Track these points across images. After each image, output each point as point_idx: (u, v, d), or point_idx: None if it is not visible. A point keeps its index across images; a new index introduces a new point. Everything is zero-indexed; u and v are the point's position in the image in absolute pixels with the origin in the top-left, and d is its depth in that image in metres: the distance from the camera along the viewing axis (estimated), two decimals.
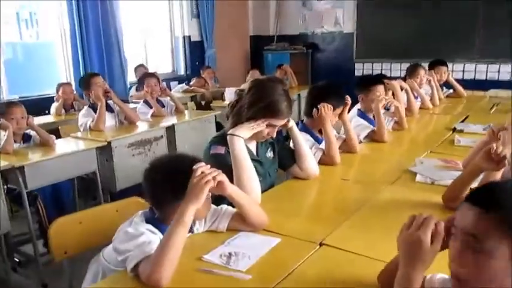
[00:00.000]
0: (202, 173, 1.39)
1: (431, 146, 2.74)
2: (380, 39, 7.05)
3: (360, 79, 3.32)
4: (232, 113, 2.03)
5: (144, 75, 4.35)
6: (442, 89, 4.75)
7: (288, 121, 2.13)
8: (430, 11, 6.59)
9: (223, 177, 1.45)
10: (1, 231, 2.69)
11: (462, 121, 3.49)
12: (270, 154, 2.18)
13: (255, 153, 2.10)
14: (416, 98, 4.11)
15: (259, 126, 1.94)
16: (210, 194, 1.49)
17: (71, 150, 3.14)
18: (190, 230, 1.59)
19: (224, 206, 1.65)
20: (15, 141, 3.14)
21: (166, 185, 1.44)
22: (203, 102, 5.42)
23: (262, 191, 1.96)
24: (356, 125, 3.04)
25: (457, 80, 4.88)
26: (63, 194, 3.13)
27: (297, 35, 7.82)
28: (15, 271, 3.04)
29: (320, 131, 2.60)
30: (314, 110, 2.49)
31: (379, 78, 3.23)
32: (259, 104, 1.94)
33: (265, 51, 7.79)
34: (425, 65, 4.50)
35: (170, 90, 5.96)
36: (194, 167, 1.40)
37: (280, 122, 1.99)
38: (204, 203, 1.50)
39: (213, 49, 7.10)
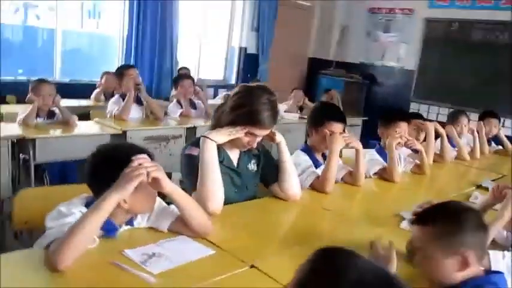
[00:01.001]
0: (139, 165, 1.35)
1: (442, 196, 2.50)
2: (441, 82, 6.71)
3: (383, 113, 3.15)
4: (215, 117, 1.99)
5: (179, 76, 4.42)
6: (490, 144, 4.39)
7: (274, 134, 2.04)
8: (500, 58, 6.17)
9: (160, 174, 1.39)
10: (1, 196, 2.82)
11: (494, 180, 3.17)
12: (253, 167, 2.09)
13: (235, 163, 2.03)
14: (454, 146, 3.83)
15: (237, 133, 1.87)
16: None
17: (85, 133, 3.23)
18: (130, 223, 1.56)
19: (173, 206, 1.58)
20: (39, 116, 3.31)
21: (104, 171, 1.41)
22: None
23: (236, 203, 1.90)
24: (369, 158, 2.87)
25: None
26: (69, 175, 3.22)
27: (356, 64, 7.65)
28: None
29: (323, 156, 2.49)
30: (326, 130, 2.39)
31: (403, 114, 3.04)
32: (240, 109, 1.87)
33: (321, 75, 7.68)
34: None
35: (215, 96, 6.08)
36: (133, 157, 1.37)
37: (260, 132, 1.90)
38: (145, 198, 1.47)
39: (266, 64, 7.12)
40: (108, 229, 1.46)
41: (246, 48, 7.02)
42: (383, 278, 0.73)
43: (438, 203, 1.38)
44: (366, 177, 2.77)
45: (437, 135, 3.49)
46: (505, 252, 1.62)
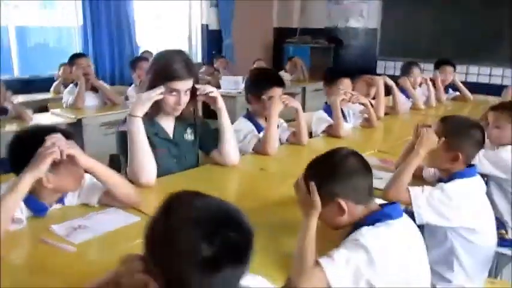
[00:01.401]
0: (53, 144, 1.40)
1: (384, 145, 2.59)
2: (404, 38, 6.74)
3: (325, 71, 3.20)
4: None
5: (135, 59, 4.42)
6: (447, 91, 4.47)
7: (215, 100, 2.06)
8: (461, 10, 6.20)
9: (74, 150, 1.44)
10: None
11: None
12: (189, 136, 2.14)
13: (171, 134, 2.07)
14: (408, 98, 3.91)
15: (156, 92, 1.86)
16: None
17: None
18: (61, 202, 1.61)
19: (87, 178, 1.62)
20: None
21: (21, 155, 1.45)
22: None
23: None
24: (316, 117, 2.95)
25: (482, 85, 4.54)
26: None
27: (321, 28, 7.64)
28: None
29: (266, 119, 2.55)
30: (263, 96, 2.44)
31: (345, 71, 3.09)
32: (153, 70, 1.92)
33: (287, 44, 7.68)
34: None
35: None
36: (46, 137, 1.41)
37: (179, 85, 1.88)
38: (69, 176, 1.51)
39: (230, 39, 7.10)
40: (37, 209, 1.52)
41: (207, 25, 6.98)
42: (219, 215, 0.78)
43: (327, 151, 1.38)
44: (313, 136, 2.89)
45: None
46: (425, 186, 1.72)
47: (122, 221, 1.52)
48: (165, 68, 1.88)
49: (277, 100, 2.43)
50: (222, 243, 0.74)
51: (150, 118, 1.97)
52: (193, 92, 2.01)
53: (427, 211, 1.66)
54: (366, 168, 1.33)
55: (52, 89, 4.69)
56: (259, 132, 2.48)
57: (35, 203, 1.50)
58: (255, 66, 5.63)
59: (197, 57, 7.05)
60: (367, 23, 7.26)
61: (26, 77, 5.20)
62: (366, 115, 3.11)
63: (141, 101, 1.87)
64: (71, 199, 1.64)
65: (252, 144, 2.40)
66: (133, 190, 1.63)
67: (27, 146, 1.43)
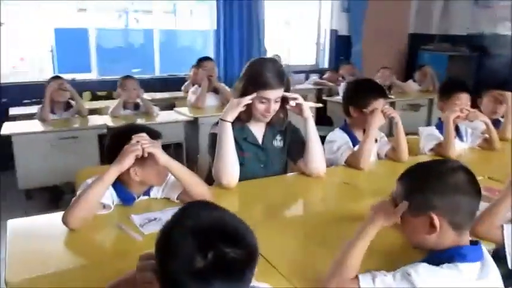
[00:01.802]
0: (137, 143, 1.57)
1: (498, 172, 2.28)
2: None
3: (442, 84, 2.91)
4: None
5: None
6: None
7: (301, 105, 2.07)
8: None
9: (154, 149, 1.59)
10: None
11: None
12: (278, 143, 2.18)
13: (260, 139, 2.14)
14: None
15: (245, 100, 1.95)
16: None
17: (163, 121, 3.62)
18: (147, 194, 1.79)
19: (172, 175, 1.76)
20: (126, 108, 3.79)
21: (113, 149, 1.64)
22: (323, 96, 5.41)
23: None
24: (426, 134, 2.73)
25: None
26: None
27: (462, 36, 6.98)
28: None
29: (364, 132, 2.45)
30: (365, 109, 2.35)
31: (463, 85, 2.79)
32: (245, 78, 1.99)
33: (422, 51, 7.19)
34: None
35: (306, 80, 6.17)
36: (133, 136, 1.59)
37: (269, 94, 1.94)
38: (155, 171, 1.69)
39: (360, 45, 6.93)
40: (125, 198, 1.71)
41: (336, 31, 6.91)
42: (220, 229, 0.80)
43: (433, 160, 1.33)
44: (421, 153, 2.68)
45: None
46: None
47: None
48: (257, 76, 1.95)
49: (379, 114, 2.31)
50: (216, 258, 0.76)
51: (242, 123, 2.06)
52: (284, 99, 2.05)
53: None
54: (476, 189, 1.17)
55: (183, 88, 5.14)
56: (354, 146, 2.40)
57: (124, 192, 1.70)
58: (378, 74, 5.42)
59: (324, 62, 7.04)
60: None
61: (165, 76, 5.78)
62: (486, 135, 2.79)
63: (232, 107, 1.97)
64: (156, 192, 1.81)
65: (345, 156, 2.33)
66: (207, 190, 1.73)
67: (118, 142, 1.62)
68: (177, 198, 1.76)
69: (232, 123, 1.98)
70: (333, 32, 6.92)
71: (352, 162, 2.30)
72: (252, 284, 0.95)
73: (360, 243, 1.20)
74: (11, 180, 3.17)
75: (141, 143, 1.56)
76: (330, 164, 2.42)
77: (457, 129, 2.79)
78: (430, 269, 1.11)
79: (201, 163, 2.71)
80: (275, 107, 2.01)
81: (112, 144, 1.69)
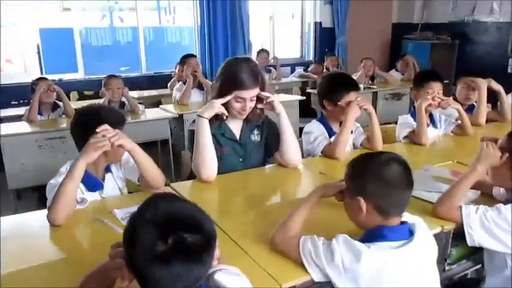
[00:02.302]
0: (103, 136, 1.65)
1: (467, 157, 2.38)
2: None
3: (416, 74, 3.01)
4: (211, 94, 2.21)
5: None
6: None
7: (273, 102, 2.14)
8: None
9: (121, 140, 1.68)
10: None
11: None
12: (256, 137, 2.27)
13: (237, 134, 2.22)
14: None
15: (223, 100, 2.04)
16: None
17: (148, 118, 3.69)
18: (109, 170, 1.92)
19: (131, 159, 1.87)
20: None
21: (76, 133, 1.79)
22: (308, 89, 5.49)
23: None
24: (401, 122, 2.84)
25: None
26: None
27: (443, 23, 7.09)
28: None
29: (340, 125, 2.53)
30: (340, 102, 2.44)
31: (435, 74, 2.89)
32: (222, 78, 2.08)
33: (405, 40, 7.30)
34: None
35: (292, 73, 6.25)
36: (98, 129, 1.66)
37: (245, 93, 2.03)
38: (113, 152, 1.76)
39: (344, 36, 7.02)
40: (93, 184, 1.83)
41: (320, 23, 6.99)
42: (178, 217, 0.88)
43: (375, 152, 1.43)
44: (397, 141, 2.78)
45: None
46: (480, 206, 1.59)
47: None
48: (233, 77, 2.04)
49: (356, 106, 2.40)
50: (175, 242, 0.85)
51: (219, 120, 2.15)
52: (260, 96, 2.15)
53: (479, 233, 1.54)
54: (406, 181, 1.28)
55: (169, 85, 5.20)
56: (330, 137, 2.49)
57: (89, 178, 1.79)
58: (362, 65, 5.52)
59: (309, 55, 7.13)
60: (499, 16, 6.53)
61: (151, 74, 5.84)
62: (459, 121, 2.89)
63: (211, 106, 2.06)
64: (116, 171, 1.95)
65: (322, 147, 2.43)
66: (161, 177, 1.87)
67: (79, 127, 1.78)
68: (138, 180, 1.91)
69: (210, 120, 2.06)
70: (317, 25, 7.00)
71: (329, 153, 2.40)
72: (222, 267, 1.05)
73: (301, 208, 1.44)
74: (2, 180, 3.23)
75: (108, 136, 1.65)
76: (307, 154, 2.53)
77: (431, 116, 2.90)
78: (347, 240, 1.23)
79: (185, 158, 2.79)
80: (251, 104, 2.10)
81: (74, 129, 1.81)
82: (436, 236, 1.46)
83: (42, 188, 1.80)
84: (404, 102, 5.32)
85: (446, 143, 2.80)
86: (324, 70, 6.18)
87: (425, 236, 1.32)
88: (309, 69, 6.33)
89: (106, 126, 1.67)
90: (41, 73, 5.21)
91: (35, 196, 3.53)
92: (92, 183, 1.82)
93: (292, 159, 2.22)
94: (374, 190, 1.26)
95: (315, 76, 5.92)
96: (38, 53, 5.36)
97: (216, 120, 2.12)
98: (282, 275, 1.26)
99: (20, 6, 5.02)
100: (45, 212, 1.63)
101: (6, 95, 4.79)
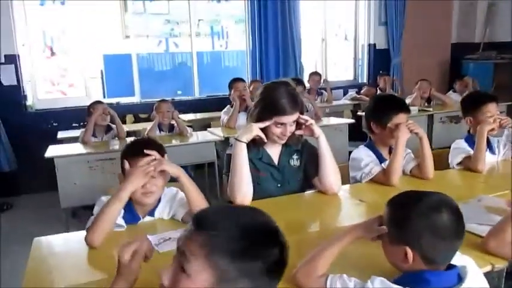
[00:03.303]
0: (148, 163, 1.67)
1: None
2: None
3: (466, 97, 2.81)
4: (248, 118, 2.18)
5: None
6: None
7: (312, 126, 2.08)
8: None
9: (164, 166, 1.69)
10: None
11: None
12: (295, 162, 2.21)
13: (276, 159, 2.17)
14: None
15: (262, 124, 2.00)
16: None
17: (194, 141, 3.75)
18: (152, 214, 1.85)
19: (180, 194, 1.86)
20: (162, 130, 3.98)
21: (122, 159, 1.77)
22: (359, 112, 5.34)
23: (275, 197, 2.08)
24: (454, 147, 2.66)
25: None
26: None
27: (508, 42, 6.69)
28: None
29: (390, 151, 2.41)
30: (389, 124, 2.33)
31: (490, 96, 2.69)
32: (261, 104, 2.05)
33: (466, 61, 6.96)
34: None
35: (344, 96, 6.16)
36: (145, 151, 1.69)
37: (284, 119, 1.99)
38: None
39: (399, 58, 6.82)
40: (132, 218, 1.80)
41: (375, 45, 6.84)
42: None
43: (420, 191, 1.23)
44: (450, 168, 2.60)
45: None
46: None
47: None
48: (272, 103, 2.01)
49: (405, 127, 2.28)
50: None
51: (257, 144, 2.11)
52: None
53: None
54: (457, 230, 1.13)
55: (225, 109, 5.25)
56: (380, 163, 2.36)
57: (131, 212, 1.79)
58: (417, 86, 5.31)
59: (363, 77, 6.98)
60: None
61: (203, 97, 5.97)
62: None
63: (249, 130, 2.03)
64: (162, 212, 1.87)
65: (374, 173, 2.30)
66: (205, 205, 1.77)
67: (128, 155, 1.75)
68: (181, 219, 1.82)
69: (248, 145, 2.03)
70: (371, 46, 6.86)
71: (383, 181, 2.27)
72: None
73: (333, 246, 1.28)
74: (55, 199, 3.39)
75: (153, 164, 1.67)
76: (354, 181, 2.42)
77: (487, 141, 2.69)
78: (385, 284, 1.12)
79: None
80: (291, 129, 2.06)
81: (123, 155, 1.79)
82: (486, 275, 1.31)
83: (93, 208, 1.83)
84: (463, 125, 4.98)
85: (505, 170, 2.57)
86: (378, 92, 6.02)
87: (478, 281, 1.19)
88: (362, 91, 6.18)
89: (154, 153, 1.70)
90: (103, 97, 5.50)
91: (87, 214, 3.66)
92: (133, 216, 1.80)
93: (330, 185, 2.12)
94: (422, 241, 1.11)
95: (367, 98, 5.76)
96: (102, 78, 5.67)
97: (254, 146, 2.09)
98: None
99: (84, 35, 5.35)
100: (78, 233, 1.66)
101: (68, 117, 5.09)
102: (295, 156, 2.20)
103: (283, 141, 2.10)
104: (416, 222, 1.12)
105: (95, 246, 1.59)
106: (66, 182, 3.27)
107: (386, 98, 2.56)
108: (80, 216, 4.00)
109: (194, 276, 0.88)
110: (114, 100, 5.46)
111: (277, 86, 2.05)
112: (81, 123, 4.95)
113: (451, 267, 1.16)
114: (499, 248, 1.45)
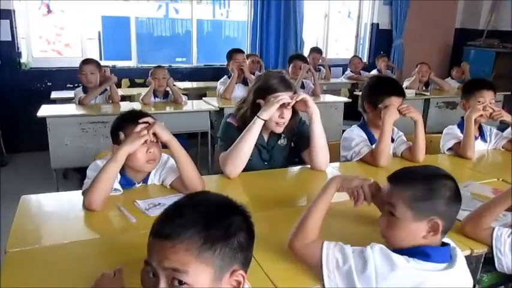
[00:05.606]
0: (143, 128, 1.67)
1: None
2: None
3: (467, 82, 2.80)
4: (237, 105, 2.23)
5: (291, 57, 4.56)
6: None
7: (306, 103, 2.07)
8: None
9: (158, 128, 1.68)
10: None
11: None
12: (282, 141, 2.25)
13: (266, 140, 2.22)
14: None
15: (277, 101, 1.99)
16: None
17: (189, 110, 3.73)
18: (145, 181, 1.87)
19: (171, 160, 1.86)
20: (157, 96, 3.94)
21: (117, 131, 1.76)
22: (357, 91, 5.32)
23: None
24: (446, 132, 2.66)
25: None
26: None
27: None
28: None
29: None
30: (380, 105, 2.34)
31: (487, 82, 2.68)
32: (253, 90, 2.11)
33: (468, 47, 6.90)
34: None
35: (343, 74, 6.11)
36: (139, 121, 1.69)
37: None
38: (140, 154, 1.73)
39: (401, 39, 6.75)
40: (127, 183, 1.81)
41: (378, 24, 6.76)
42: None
43: (417, 166, 1.32)
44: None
45: None
46: None
47: None
48: (265, 84, 2.07)
49: (393, 109, 2.28)
50: None
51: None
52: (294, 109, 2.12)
53: (510, 258, 1.41)
54: (459, 194, 1.24)
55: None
56: (371, 144, 2.38)
57: (126, 178, 1.80)
58: (416, 70, 5.28)
59: (363, 56, 6.91)
60: None
61: (201, 66, 5.90)
62: (511, 136, 2.68)
63: (267, 107, 2.01)
64: (153, 178, 1.88)
65: (363, 154, 2.32)
66: (198, 176, 1.78)
67: (120, 126, 1.76)
68: (169, 185, 1.84)
69: (242, 126, 2.05)
70: (374, 26, 6.78)
71: (371, 161, 2.29)
72: None
73: (318, 205, 1.34)
74: (46, 159, 3.37)
75: (147, 127, 1.67)
76: (344, 160, 2.43)
77: (480, 128, 2.70)
78: (385, 251, 1.15)
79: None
80: (288, 113, 2.07)
81: (115, 129, 1.79)
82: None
83: (84, 170, 1.82)
84: (459, 111, 4.99)
85: (494, 158, 2.60)
86: (375, 72, 5.99)
87: (464, 261, 1.23)
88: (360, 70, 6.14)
89: (148, 119, 1.70)
90: (100, 59, 5.41)
91: (77, 176, 3.67)
92: (128, 182, 1.81)
93: (319, 163, 2.15)
94: (449, 208, 1.20)
95: (365, 78, 5.73)
96: (99, 39, 5.57)
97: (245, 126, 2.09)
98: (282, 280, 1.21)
99: None
100: (67, 193, 1.67)
101: (62, 78, 5.03)
102: (283, 136, 2.22)
103: (281, 129, 2.11)
104: (442, 191, 1.19)
105: (94, 208, 1.60)
106: (57, 142, 3.25)
107: (382, 79, 2.55)
108: (71, 178, 4.01)
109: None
110: (110, 63, 5.38)
111: (269, 73, 2.16)
112: (76, 85, 4.89)
113: (444, 244, 1.22)
114: (475, 233, 1.48)
